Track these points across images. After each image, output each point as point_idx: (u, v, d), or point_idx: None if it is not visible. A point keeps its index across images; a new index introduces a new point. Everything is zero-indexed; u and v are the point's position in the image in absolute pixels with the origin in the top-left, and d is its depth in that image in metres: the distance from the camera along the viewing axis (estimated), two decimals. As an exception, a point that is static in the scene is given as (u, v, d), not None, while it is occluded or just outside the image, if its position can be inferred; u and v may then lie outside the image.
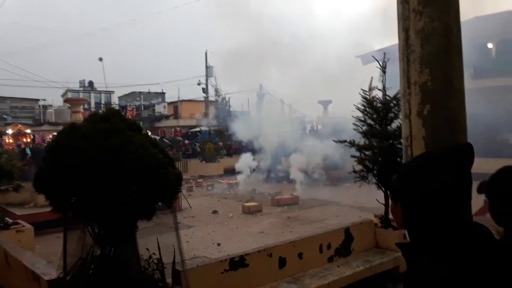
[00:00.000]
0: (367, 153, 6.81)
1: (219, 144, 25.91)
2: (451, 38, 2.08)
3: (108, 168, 3.37)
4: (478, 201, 1.61)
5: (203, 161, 22.17)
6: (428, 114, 2.00)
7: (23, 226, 7.67)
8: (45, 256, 5.60)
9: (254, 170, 17.42)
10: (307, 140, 16.81)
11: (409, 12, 2.10)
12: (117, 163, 3.40)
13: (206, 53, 35.91)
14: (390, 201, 1.42)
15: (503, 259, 1.31)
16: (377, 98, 6.86)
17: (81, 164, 3.33)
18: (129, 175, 3.40)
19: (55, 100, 44.00)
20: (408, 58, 2.09)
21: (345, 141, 7.08)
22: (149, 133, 22.77)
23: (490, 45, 18.79)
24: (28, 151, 20.32)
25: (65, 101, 34.89)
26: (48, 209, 3.68)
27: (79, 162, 3.33)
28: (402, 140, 2.15)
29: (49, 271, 4.23)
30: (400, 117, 2.23)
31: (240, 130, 18.74)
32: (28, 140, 25.00)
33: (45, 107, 41.37)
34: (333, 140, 7.65)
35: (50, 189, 3.58)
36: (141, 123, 29.53)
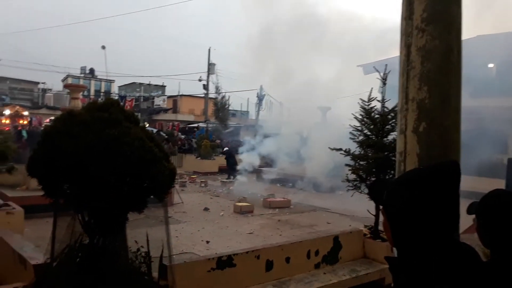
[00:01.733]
0: (361, 163, 6.85)
1: (216, 141, 25.92)
2: (451, 57, 2.10)
3: (104, 158, 3.38)
4: (467, 219, 1.63)
5: (199, 157, 22.18)
6: (423, 131, 2.02)
7: (14, 208, 7.65)
8: (33, 240, 5.59)
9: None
10: (303, 145, 16.86)
11: (412, 29, 2.13)
12: (112, 154, 3.41)
13: (209, 50, 35.89)
14: (383, 216, 1.44)
15: (487, 280, 1.33)
16: (376, 109, 6.90)
17: (78, 152, 3.34)
18: (123, 167, 3.41)
19: (55, 84, 43.95)
20: (408, 74, 2.12)
21: (341, 149, 7.11)
22: (147, 125, 22.77)
23: (490, 65, 18.88)
24: (24, 133, 20.24)
25: (65, 86, 34.84)
26: (40, 193, 3.68)
27: (77, 149, 3.34)
28: (396, 154, 2.18)
29: (36, 256, 4.24)
30: (396, 130, 2.26)
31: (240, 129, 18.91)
32: (25, 122, 24.91)
33: (44, 90, 41.28)
34: (329, 148, 7.68)
35: (43, 174, 3.58)
36: (139, 114, 29.53)
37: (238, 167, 17.80)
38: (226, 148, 21.13)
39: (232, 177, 18.16)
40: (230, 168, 18.86)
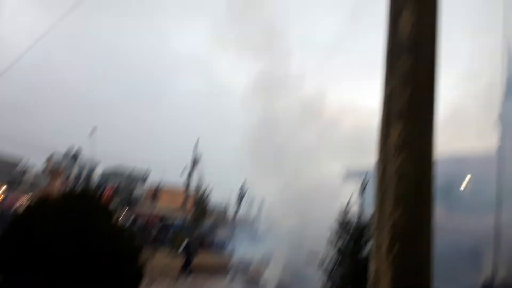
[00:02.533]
0: (338, 270, 6.68)
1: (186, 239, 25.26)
2: (424, 181, 2.19)
3: (73, 247, 3.28)
4: None
5: (171, 252, 21.58)
6: (397, 253, 2.03)
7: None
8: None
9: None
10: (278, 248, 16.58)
11: (387, 151, 2.23)
12: (82, 245, 3.31)
13: (197, 141, 35.56)
14: None
15: None
16: (352, 221, 6.88)
17: (48, 240, 3.24)
18: (92, 258, 3.30)
19: (38, 161, 43.00)
20: (383, 194, 2.18)
21: (317, 254, 6.98)
22: (123, 215, 22.20)
23: (463, 184, 19.60)
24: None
25: (46, 169, 34.58)
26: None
27: (47, 237, 3.25)
28: (369, 273, 2.15)
29: None
30: (371, 248, 2.25)
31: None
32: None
33: (23, 171, 40.68)
34: (308, 251, 7.53)
35: (7, 260, 3.42)
36: (117, 203, 28.97)
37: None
38: (183, 244, 20.83)
39: (187, 272, 18.23)
40: (186, 264, 19.01)
